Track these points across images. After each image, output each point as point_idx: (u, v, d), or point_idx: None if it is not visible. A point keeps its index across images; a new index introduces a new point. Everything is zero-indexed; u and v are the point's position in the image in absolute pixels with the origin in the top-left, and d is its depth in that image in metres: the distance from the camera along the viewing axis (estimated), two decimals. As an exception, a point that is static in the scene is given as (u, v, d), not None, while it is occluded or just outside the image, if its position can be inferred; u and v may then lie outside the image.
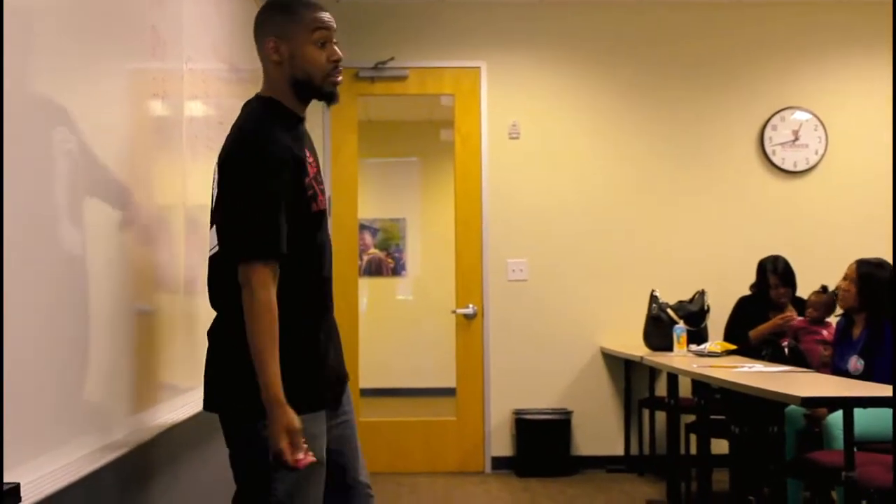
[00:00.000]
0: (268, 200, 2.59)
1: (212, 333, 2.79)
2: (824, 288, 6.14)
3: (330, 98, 2.82)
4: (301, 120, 2.84)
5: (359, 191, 7.40)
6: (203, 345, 3.65)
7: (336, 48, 2.79)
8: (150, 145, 3.09)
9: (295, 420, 2.54)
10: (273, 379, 2.53)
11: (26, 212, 2.03)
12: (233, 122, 3.99)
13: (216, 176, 2.71)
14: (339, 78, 2.81)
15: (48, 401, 2.19)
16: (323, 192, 2.78)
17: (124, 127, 2.78)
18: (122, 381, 2.75)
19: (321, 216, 2.75)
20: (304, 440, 2.55)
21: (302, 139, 2.80)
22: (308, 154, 2.77)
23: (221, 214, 2.67)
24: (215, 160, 2.72)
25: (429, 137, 9.98)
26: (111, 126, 2.66)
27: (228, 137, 2.72)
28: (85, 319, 2.40)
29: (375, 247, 10.74)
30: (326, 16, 2.79)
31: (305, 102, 2.83)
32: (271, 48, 2.75)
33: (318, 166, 2.83)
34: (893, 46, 6.63)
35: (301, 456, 2.54)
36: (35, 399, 2.10)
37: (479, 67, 7.35)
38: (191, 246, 3.47)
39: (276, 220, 2.59)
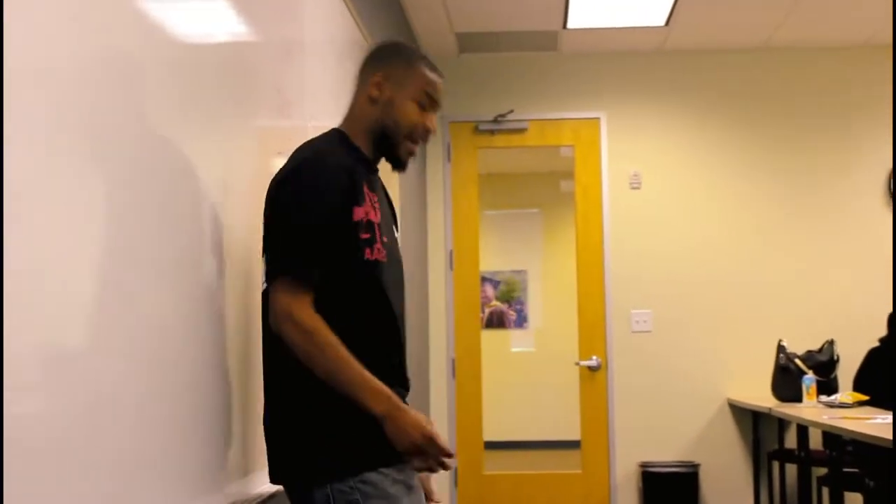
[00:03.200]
0: (306, 223, 2.43)
1: (266, 387, 2.56)
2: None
3: (399, 163, 2.67)
4: (370, 165, 2.65)
5: (480, 243, 7.43)
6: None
7: (434, 120, 2.67)
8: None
9: (423, 418, 2.39)
10: (367, 385, 2.35)
11: (149, 268, 2.08)
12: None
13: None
14: (416, 147, 2.66)
15: (118, 470, 2.22)
16: (388, 247, 2.57)
17: (251, 184, 2.84)
18: (225, 443, 2.78)
19: (375, 267, 2.51)
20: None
21: (371, 181, 2.59)
22: (373, 196, 2.56)
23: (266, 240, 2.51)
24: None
25: (549, 188, 10.00)
26: (237, 182, 2.72)
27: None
28: (205, 377, 2.44)
29: (497, 299, 10.75)
30: (441, 85, 2.68)
31: (376, 151, 2.65)
32: (374, 83, 2.62)
33: (388, 217, 2.66)
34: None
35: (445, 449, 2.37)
36: (104, 460, 2.14)
37: (598, 118, 7.35)
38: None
39: (309, 242, 2.41)
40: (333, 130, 2.68)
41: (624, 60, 7.37)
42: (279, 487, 2.77)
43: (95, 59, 1.81)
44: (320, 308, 2.40)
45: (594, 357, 7.19)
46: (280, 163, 3.15)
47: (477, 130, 7.35)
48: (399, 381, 2.57)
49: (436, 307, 7.19)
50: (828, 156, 7.30)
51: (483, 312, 10.06)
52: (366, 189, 2.52)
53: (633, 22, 6.77)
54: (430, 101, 2.64)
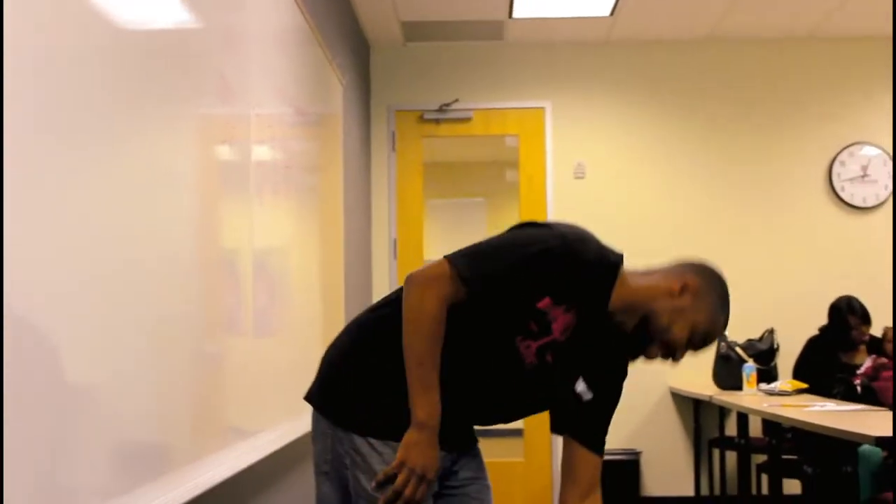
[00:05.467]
0: (506, 252, 2.48)
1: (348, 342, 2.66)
2: (900, 323, 6.07)
3: (634, 357, 2.62)
4: (605, 311, 2.55)
5: (424, 232, 7.43)
6: (269, 387, 3.67)
7: (685, 353, 2.55)
8: (219, 190, 3.13)
9: (437, 461, 2.44)
10: (431, 390, 2.41)
11: (94, 254, 2.07)
12: (300, 165, 4.03)
13: None
14: (657, 356, 2.55)
15: (110, 447, 2.21)
16: (538, 368, 2.53)
17: (193, 172, 2.82)
18: (189, 424, 2.77)
19: (513, 354, 2.51)
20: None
21: (589, 314, 2.53)
22: (573, 329, 2.51)
23: None
24: (282, 203, 2.72)
25: (494, 178, 10.00)
26: (180, 171, 2.70)
27: None
28: (151, 363, 2.43)
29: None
30: (717, 335, 2.60)
31: (630, 330, 2.55)
32: (686, 284, 2.55)
33: (568, 354, 2.56)
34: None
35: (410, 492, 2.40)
36: (96, 446, 2.13)
37: (543, 108, 7.37)
38: (258, 289, 3.50)
39: (503, 266, 2.45)
40: (618, 259, 2.65)
41: (569, 50, 7.39)
42: (230, 475, 2.81)
43: (30, 46, 1.78)
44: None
45: (538, 346, 7.20)
46: (224, 150, 3.13)
47: (422, 119, 7.34)
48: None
49: (379, 296, 7.14)
50: (770, 147, 7.37)
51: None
52: (576, 309, 2.50)
53: (579, 12, 6.79)
54: (699, 340, 2.55)
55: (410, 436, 2.42)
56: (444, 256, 2.48)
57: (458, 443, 2.67)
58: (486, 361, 2.53)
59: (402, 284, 2.52)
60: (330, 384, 2.61)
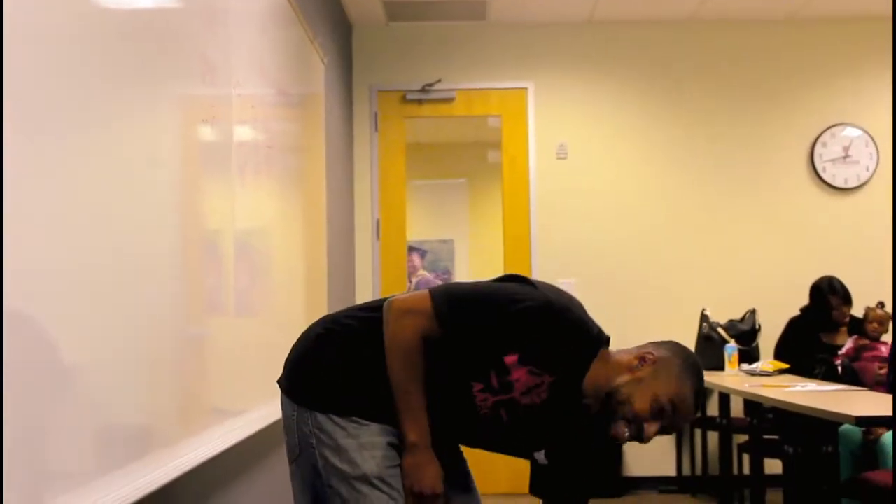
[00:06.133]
0: (484, 298, 2.53)
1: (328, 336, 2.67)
2: (881, 304, 6.09)
3: (605, 433, 2.53)
4: (579, 384, 2.54)
5: (407, 213, 7.42)
6: (251, 367, 3.67)
7: (652, 430, 2.48)
8: (201, 170, 3.12)
9: (441, 476, 2.53)
10: (419, 413, 2.49)
11: (76, 235, 2.06)
12: (282, 146, 4.02)
13: None
14: (624, 434, 2.49)
15: (93, 428, 2.20)
16: (494, 418, 2.57)
17: (175, 153, 2.81)
18: (172, 405, 2.77)
19: (467, 401, 2.55)
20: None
21: (565, 386, 2.54)
22: (547, 395, 2.53)
23: None
24: (264, 184, 2.72)
25: (476, 158, 9.98)
26: (162, 152, 2.69)
27: None
28: (134, 344, 2.42)
29: (424, 268, 10.75)
30: (685, 408, 2.49)
31: (591, 407, 2.53)
32: (644, 355, 2.51)
33: (528, 417, 2.58)
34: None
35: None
36: (79, 427, 2.12)
37: (526, 88, 7.36)
38: (240, 270, 3.49)
39: (475, 312, 2.49)
40: (602, 341, 2.60)
41: (552, 30, 7.38)
42: (214, 454, 2.82)
43: (7, 27, 1.77)
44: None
45: (520, 326, 7.21)
46: (206, 130, 3.12)
47: (404, 100, 7.33)
48: None
49: (362, 276, 7.17)
50: (753, 127, 7.38)
51: (410, 282, 10.06)
52: (545, 377, 2.51)
53: (561, -8, 6.78)
54: (665, 413, 2.48)
55: (408, 461, 2.51)
56: (429, 290, 2.52)
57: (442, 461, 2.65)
58: (442, 398, 2.56)
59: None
60: (295, 367, 2.66)
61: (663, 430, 2.51)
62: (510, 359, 2.49)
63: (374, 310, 2.59)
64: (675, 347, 2.58)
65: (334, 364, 2.58)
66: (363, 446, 2.51)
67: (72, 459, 2.04)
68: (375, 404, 2.54)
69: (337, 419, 2.52)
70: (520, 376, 2.51)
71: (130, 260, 2.38)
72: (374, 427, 2.53)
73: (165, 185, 2.71)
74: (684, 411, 2.50)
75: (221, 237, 3.32)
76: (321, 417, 2.53)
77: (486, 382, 2.52)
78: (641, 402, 2.46)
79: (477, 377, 2.52)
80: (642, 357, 2.51)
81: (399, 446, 2.54)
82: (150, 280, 2.53)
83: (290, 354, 2.71)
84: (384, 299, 2.60)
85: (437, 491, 2.52)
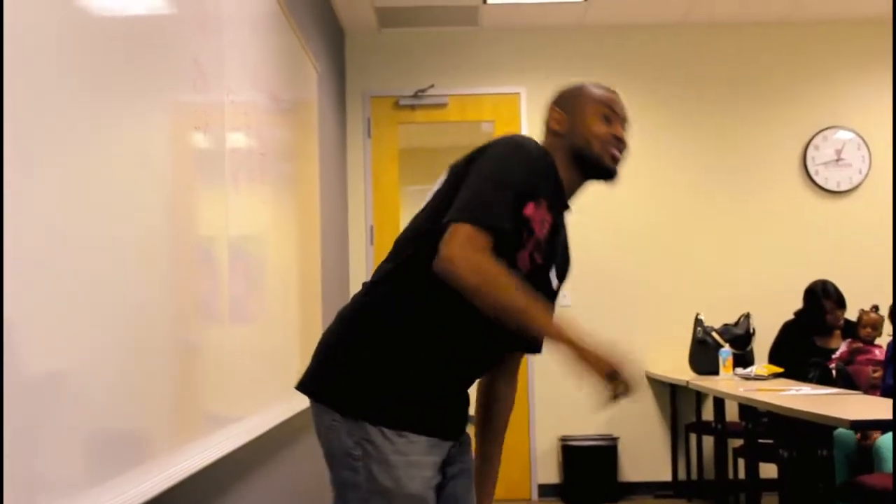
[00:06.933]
0: (501, 181, 2.46)
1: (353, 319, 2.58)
2: (875, 307, 6.09)
3: (608, 173, 2.68)
4: (564, 199, 2.68)
5: (400, 218, 7.42)
6: (246, 374, 3.66)
7: (622, 130, 2.69)
8: (194, 177, 3.11)
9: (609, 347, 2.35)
10: (548, 323, 2.38)
11: (68, 242, 2.05)
12: (275, 152, 4.01)
13: (442, 178, 2.64)
14: (619, 156, 2.67)
15: (86, 437, 2.19)
16: (534, 271, 2.55)
17: (168, 160, 2.80)
18: (166, 413, 2.76)
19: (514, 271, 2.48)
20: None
21: (558, 210, 2.64)
22: (552, 223, 2.58)
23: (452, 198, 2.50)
24: (258, 190, 2.68)
25: (470, 164, 9.98)
26: (155, 159, 2.68)
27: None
28: (127, 351, 2.41)
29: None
30: (618, 100, 2.73)
31: (578, 181, 2.69)
32: (554, 118, 2.71)
33: (549, 252, 2.63)
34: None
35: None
36: (72, 436, 2.11)
37: (518, 93, 7.36)
38: (234, 276, 3.48)
39: (503, 196, 2.44)
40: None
41: (544, 35, 7.38)
42: (209, 463, 2.79)
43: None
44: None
45: (514, 332, 7.20)
46: (198, 137, 3.12)
47: (397, 105, 7.33)
48: (448, 415, 2.61)
49: (356, 282, 7.16)
50: (745, 131, 7.39)
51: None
52: (547, 205, 2.55)
53: (553, -3, 6.78)
54: (612, 113, 2.68)
55: (578, 356, 2.38)
56: (452, 221, 2.41)
57: (460, 428, 2.68)
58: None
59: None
60: (332, 373, 2.52)
61: (623, 122, 2.71)
62: (528, 210, 2.50)
63: (399, 274, 2.54)
64: (554, 96, 2.79)
65: (382, 371, 2.46)
66: (411, 464, 2.43)
67: (64, 469, 2.03)
68: (425, 411, 2.47)
69: (388, 433, 2.42)
70: (538, 215, 2.52)
71: (124, 267, 2.38)
72: (423, 443, 2.45)
73: (158, 192, 2.70)
74: (612, 96, 2.72)
75: (215, 244, 3.31)
76: (371, 429, 2.42)
77: (520, 244, 2.50)
78: (592, 129, 2.64)
79: (517, 246, 2.50)
80: (551, 119, 2.72)
81: (440, 464, 2.50)
82: (143, 286, 2.52)
83: (320, 358, 2.57)
84: (385, 266, 2.57)
85: (616, 367, 2.33)
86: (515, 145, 2.57)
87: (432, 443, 2.49)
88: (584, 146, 2.64)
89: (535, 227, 2.52)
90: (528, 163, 2.53)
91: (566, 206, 2.71)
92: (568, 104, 2.72)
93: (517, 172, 2.49)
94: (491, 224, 2.40)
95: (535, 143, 2.63)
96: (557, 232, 2.67)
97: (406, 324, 2.49)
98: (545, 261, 2.61)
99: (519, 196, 2.47)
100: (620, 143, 2.68)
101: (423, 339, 2.49)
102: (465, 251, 2.36)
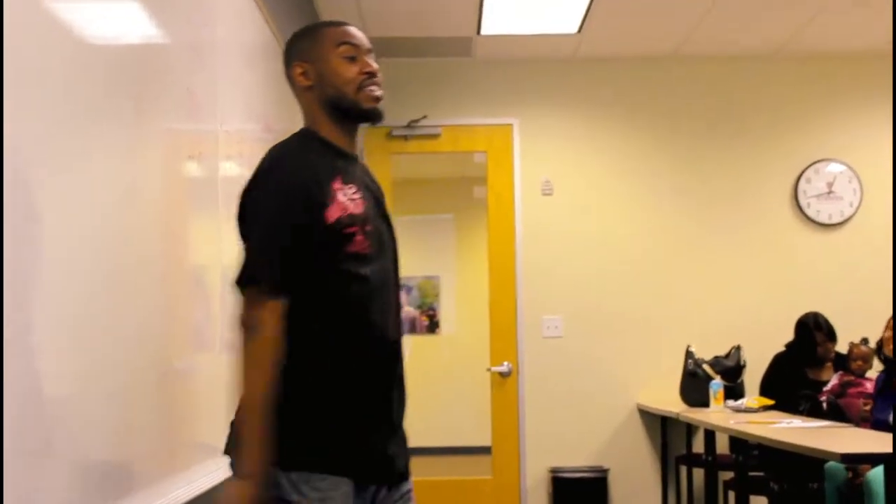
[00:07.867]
0: (270, 227, 2.40)
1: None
2: (865, 340, 6.10)
3: (371, 115, 2.60)
4: (343, 154, 2.59)
5: (393, 248, 7.40)
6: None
7: (370, 61, 2.60)
8: (187, 206, 3.12)
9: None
10: (260, 439, 2.32)
11: (60, 269, 2.05)
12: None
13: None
14: (378, 92, 2.60)
15: (74, 465, 2.19)
16: (372, 234, 2.52)
17: (161, 188, 2.81)
18: (157, 441, 2.75)
19: (359, 260, 2.46)
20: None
21: (347, 171, 2.54)
22: (355, 188, 2.51)
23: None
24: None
25: (462, 194, 9.99)
26: (148, 187, 2.68)
27: None
28: (118, 380, 2.41)
29: (410, 305, 10.73)
30: (352, 30, 2.62)
31: (348, 129, 2.62)
32: (299, 74, 2.59)
33: (374, 205, 2.60)
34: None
35: None
36: (60, 464, 2.11)
37: (511, 124, 7.38)
38: (227, 304, 3.48)
39: (274, 247, 2.39)
40: (300, 130, 2.64)
41: (537, 67, 7.41)
42: (200, 493, 2.78)
43: None
44: (298, 315, 2.38)
45: (505, 363, 7.21)
46: (192, 166, 3.12)
47: (390, 136, 7.34)
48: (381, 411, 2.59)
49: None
50: (737, 163, 7.40)
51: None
52: (338, 183, 2.48)
53: (546, 29, 6.80)
54: (353, 49, 2.60)
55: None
56: (237, 284, 2.41)
57: (386, 468, 2.61)
58: (369, 288, 2.50)
59: None
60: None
61: (368, 52, 2.63)
62: (333, 214, 2.44)
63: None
64: (287, 49, 2.68)
65: (279, 410, 2.38)
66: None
67: (52, 497, 2.02)
68: (330, 447, 2.41)
69: (294, 476, 2.36)
70: (338, 214, 2.45)
71: (116, 294, 2.37)
72: (332, 483, 2.39)
73: (151, 220, 2.70)
74: (346, 29, 2.62)
75: (208, 272, 3.31)
76: (280, 475, 2.36)
77: (350, 238, 2.46)
78: (340, 74, 2.56)
79: (343, 253, 2.45)
80: (297, 77, 2.61)
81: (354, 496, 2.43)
82: (135, 314, 2.52)
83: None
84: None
85: None
86: (267, 177, 2.48)
87: (344, 483, 2.41)
88: (340, 96, 2.57)
89: (351, 210, 2.46)
90: (290, 185, 2.43)
91: (354, 159, 2.64)
92: (307, 54, 2.61)
93: (284, 210, 2.41)
94: (278, 280, 2.37)
95: (287, 148, 2.56)
96: (368, 187, 2.62)
97: (292, 362, 2.40)
98: (373, 219, 2.57)
99: (302, 229, 2.40)
100: (374, 78, 2.61)
101: (309, 370, 2.42)
102: (254, 322, 2.37)
